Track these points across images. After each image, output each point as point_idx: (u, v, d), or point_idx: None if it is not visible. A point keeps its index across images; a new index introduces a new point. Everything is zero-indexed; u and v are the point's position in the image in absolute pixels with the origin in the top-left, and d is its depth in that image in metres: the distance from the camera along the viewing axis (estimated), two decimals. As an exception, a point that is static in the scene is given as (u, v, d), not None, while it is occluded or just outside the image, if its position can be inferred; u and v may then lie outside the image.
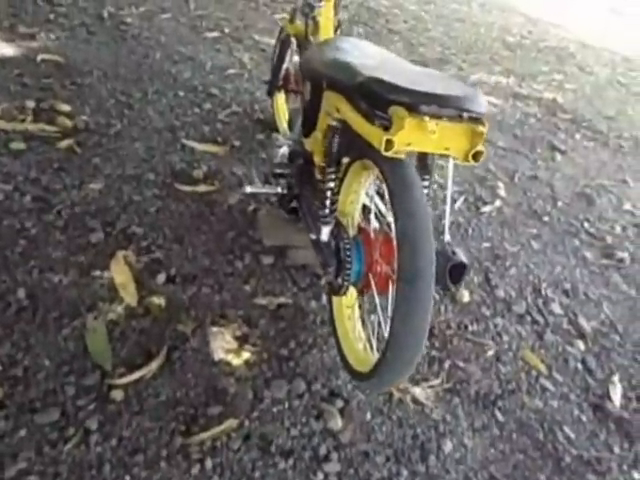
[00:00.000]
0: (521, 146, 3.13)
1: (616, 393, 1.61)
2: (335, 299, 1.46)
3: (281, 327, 1.53)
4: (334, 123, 1.37)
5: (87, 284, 1.50)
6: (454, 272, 1.21)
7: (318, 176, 1.49)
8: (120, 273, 1.55)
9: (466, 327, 1.69)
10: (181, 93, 2.65)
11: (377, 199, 1.46)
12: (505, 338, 1.69)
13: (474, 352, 1.62)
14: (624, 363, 1.73)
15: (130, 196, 1.86)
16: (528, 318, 1.80)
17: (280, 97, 2.50)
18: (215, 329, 1.47)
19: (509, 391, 1.52)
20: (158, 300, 1.49)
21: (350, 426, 1.32)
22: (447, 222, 1.33)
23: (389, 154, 1.08)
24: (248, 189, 1.61)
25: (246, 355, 1.42)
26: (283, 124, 2.48)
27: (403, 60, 1.49)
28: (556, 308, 1.88)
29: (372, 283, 1.30)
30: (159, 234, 1.73)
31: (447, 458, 1.31)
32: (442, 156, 1.18)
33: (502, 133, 3.24)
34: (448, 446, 1.33)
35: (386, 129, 1.09)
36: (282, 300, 1.61)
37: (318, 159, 1.50)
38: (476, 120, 1.12)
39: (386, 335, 1.23)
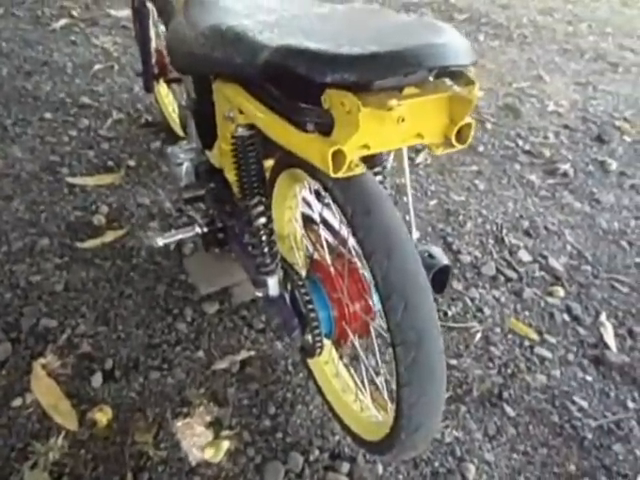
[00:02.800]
0: (431, 67, 2.89)
1: (609, 335, 1.52)
2: (312, 362, 1.23)
3: (254, 390, 1.30)
4: (240, 131, 0.99)
5: (10, 422, 1.20)
6: (436, 278, 1.00)
7: (239, 203, 1.16)
8: (46, 392, 1.25)
9: (446, 314, 1.53)
10: (48, 115, 2.20)
11: (316, 204, 1.20)
12: (487, 312, 1.54)
13: (462, 342, 1.46)
14: (604, 296, 1.64)
15: (27, 278, 1.52)
16: (501, 278, 1.66)
17: (163, 89, 2.11)
18: (180, 423, 1.22)
19: (510, 376, 1.38)
20: (102, 413, 1.22)
21: (365, 491, 1.15)
22: (412, 217, 1.10)
23: (340, 175, 0.71)
24: (160, 241, 1.27)
25: (226, 444, 1.19)
26: (177, 123, 2.11)
27: None
28: (524, 255, 1.74)
29: (347, 329, 1.06)
30: (77, 319, 1.42)
31: (475, 486, 1.17)
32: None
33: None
34: (472, 471, 1.19)
35: (324, 132, 0.72)
36: (244, 355, 1.37)
37: (232, 178, 1.13)
38: (456, 77, 0.74)
39: (389, 404, 1.03)
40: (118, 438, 1.19)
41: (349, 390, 1.18)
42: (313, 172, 0.88)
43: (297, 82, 0.72)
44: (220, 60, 0.87)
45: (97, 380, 1.28)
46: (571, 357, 1.45)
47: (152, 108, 2.29)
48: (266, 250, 1.03)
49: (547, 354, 1.44)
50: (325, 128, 0.72)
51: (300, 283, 1.01)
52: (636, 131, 2.50)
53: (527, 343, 1.47)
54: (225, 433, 1.21)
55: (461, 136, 0.74)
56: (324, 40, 0.73)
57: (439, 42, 0.69)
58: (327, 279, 1.02)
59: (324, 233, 1.12)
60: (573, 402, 1.34)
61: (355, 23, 0.85)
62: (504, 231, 1.83)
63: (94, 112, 2.25)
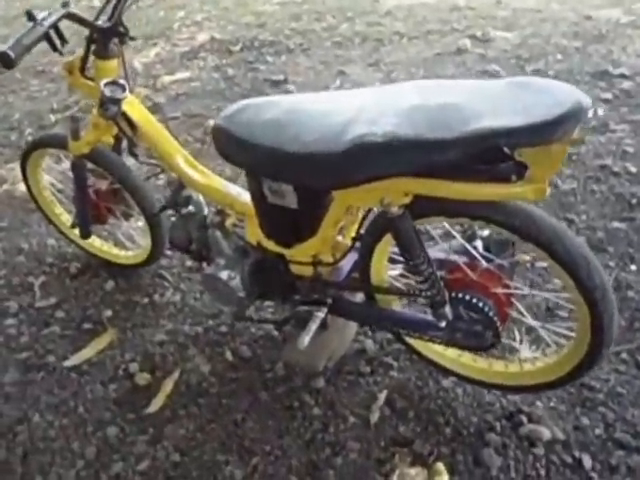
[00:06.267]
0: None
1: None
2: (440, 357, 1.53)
3: (414, 416, 1.50)
4: (393, 211, 1.16)
5: None
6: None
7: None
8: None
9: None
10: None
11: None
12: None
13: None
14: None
15: (136, 470, 1.44)
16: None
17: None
18: (396, 476, 1.38)
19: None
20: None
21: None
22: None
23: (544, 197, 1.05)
24: (305, 340, 1.39)
25: (440, 466, 1.39)
26: (113, 254, 2.06)
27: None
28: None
29: (507, 310, 1.32)
30: (250, 458, 1.43)
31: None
32: None
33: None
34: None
35: (520, 177, 1.04)
36: (382, 398, 1.55)
37: (331, 258, 1.41)
38: None
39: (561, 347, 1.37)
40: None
41: (479, 359, 1.52)
42: (496, 217, 1.17)
43: (496, 151, 1.00)
44: (405, 164, 1.05)
45: None
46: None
47: (65, 255, 2.17)
48: (436, 290, 1.27)
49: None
50: (521, 173, 1.04)
51: (468, 297, 1.28)
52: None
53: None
54: (431, 459, 1.41)
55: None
56: (507, 114, 0.99)
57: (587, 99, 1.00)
58: (475, 285, 1.30)
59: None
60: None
61: (485, 94, 1.08)
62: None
63: (4, 284, 2.04)
